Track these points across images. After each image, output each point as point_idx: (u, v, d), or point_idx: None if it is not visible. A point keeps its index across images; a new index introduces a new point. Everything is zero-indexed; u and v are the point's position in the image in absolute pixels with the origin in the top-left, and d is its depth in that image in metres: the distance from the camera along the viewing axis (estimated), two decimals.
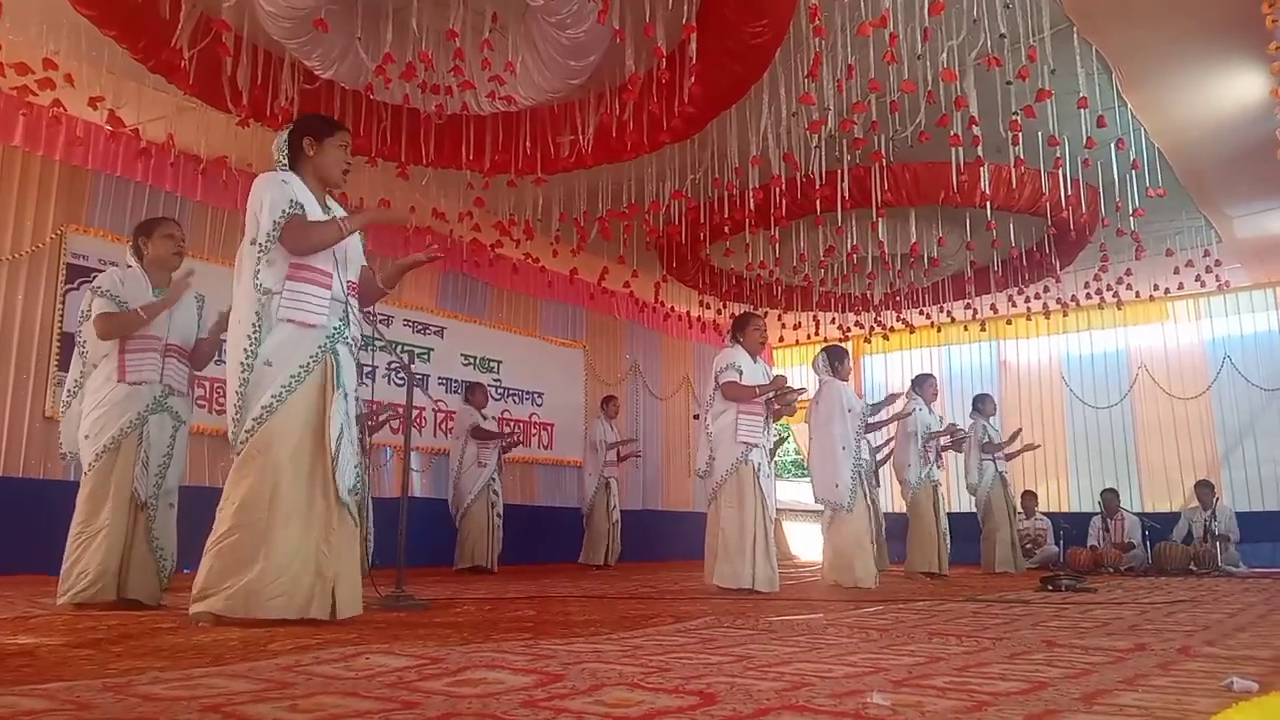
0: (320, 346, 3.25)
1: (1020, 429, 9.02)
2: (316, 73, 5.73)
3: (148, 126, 6.49)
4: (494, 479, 8.10)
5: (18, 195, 6.63)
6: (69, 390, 4.04)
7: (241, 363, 3.18)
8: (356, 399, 3.54)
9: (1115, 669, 2.23)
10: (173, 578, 4.00)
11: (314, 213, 3.32)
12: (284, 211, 3.22)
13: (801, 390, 5.91)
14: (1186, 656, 2.49)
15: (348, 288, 3.40)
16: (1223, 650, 2.64)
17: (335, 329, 3.30)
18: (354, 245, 3.47)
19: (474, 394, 8.31)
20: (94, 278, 5.57)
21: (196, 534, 3.32)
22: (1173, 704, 1.76)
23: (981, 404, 8.82)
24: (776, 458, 7.91)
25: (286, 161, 3.40)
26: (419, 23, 5.20)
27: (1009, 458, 8.71)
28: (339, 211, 3.48)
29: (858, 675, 2.06)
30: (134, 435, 3.83)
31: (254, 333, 3.18)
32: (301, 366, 3.20)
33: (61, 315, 6.65)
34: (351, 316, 3.39)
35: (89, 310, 3.92)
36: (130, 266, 4.05)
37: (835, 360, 6.54)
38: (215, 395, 7.08)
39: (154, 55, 5.36)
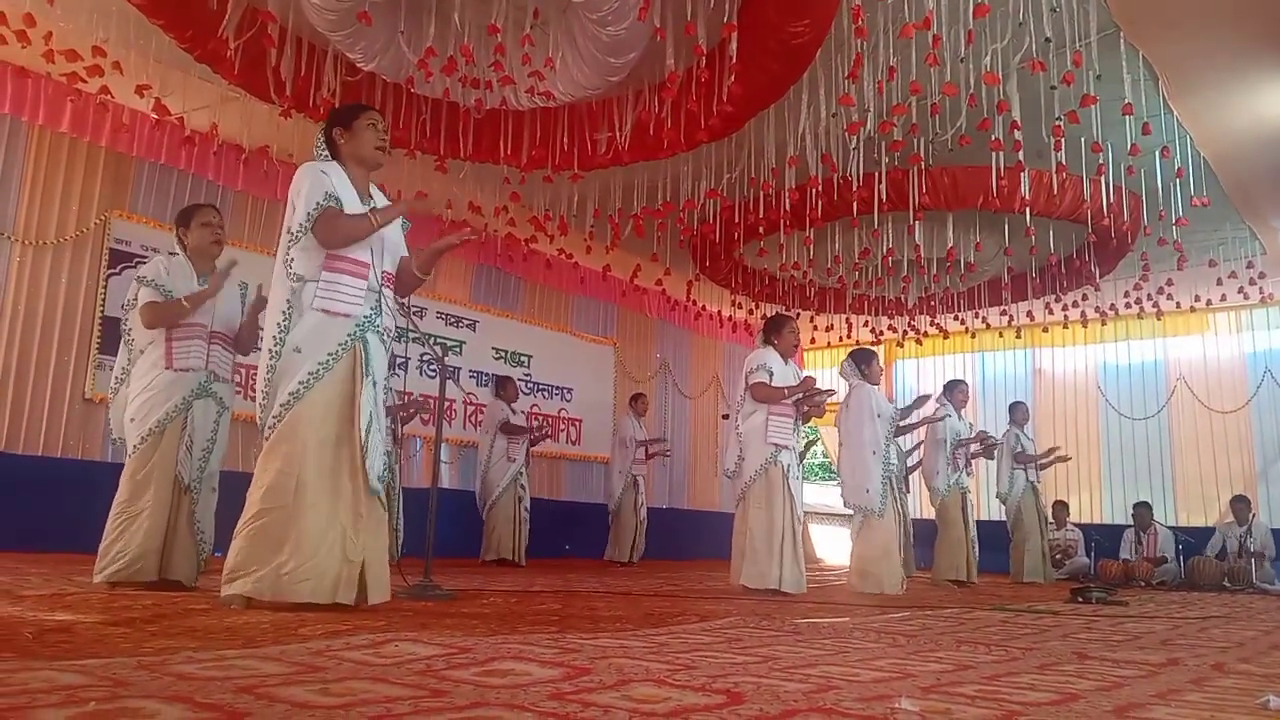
0: (350, 335, 3.27)
1: (1058, 447, 8.89)
2: (359, 65, 5.78)
3: (192, 115, 6.59)
4: (522, 473, 8.14)
5: (64, 180, 6.76)
6: (116, 378, 4.12)
7: (271, 349, 3.22)
8: (388, 390, 3.56)
9: (1148, 683, 2.20)
10: (209, 561, 4.06)
11: (352, 204, 3.35)
12: (318, 203, 3.25)
13: (831, 392, 5.87)
14: (1220, 673, 2.45)
15: (383, 278, 3.42)
16: (1258, 668, 2.60)
17: (366, 317, 3.33)
18: (394, 235, 3.49)
19: (504, 388, 8.34)
20: (136, 263, 5.64)
21: (229, 518, 3.36)
22: None
23: (1015, 412, 8.73)
24: (805, 460, 7.86)
25: (327, 154, 3.44)
26: (461, 17, 5.24)
27: (1041, 468, 8.62)
28: (380, 200, 3.51)
29: (885, 680, 2.05)
30: (179, 420, 3.89)
31: (284, 319, 3.22)
32: (330, 354, 3.22)
33: (103, 300, 6.78)
34: (385, 306, 3.42)
35: (134, 299, 3.99)
36: (175, 254, 4.10)
37: (862, 363, 6.48)
38: (250, 382, 7.18)
39: (200, 45, 5.44)
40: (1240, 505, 9.16)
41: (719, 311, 11.08)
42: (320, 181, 3.29)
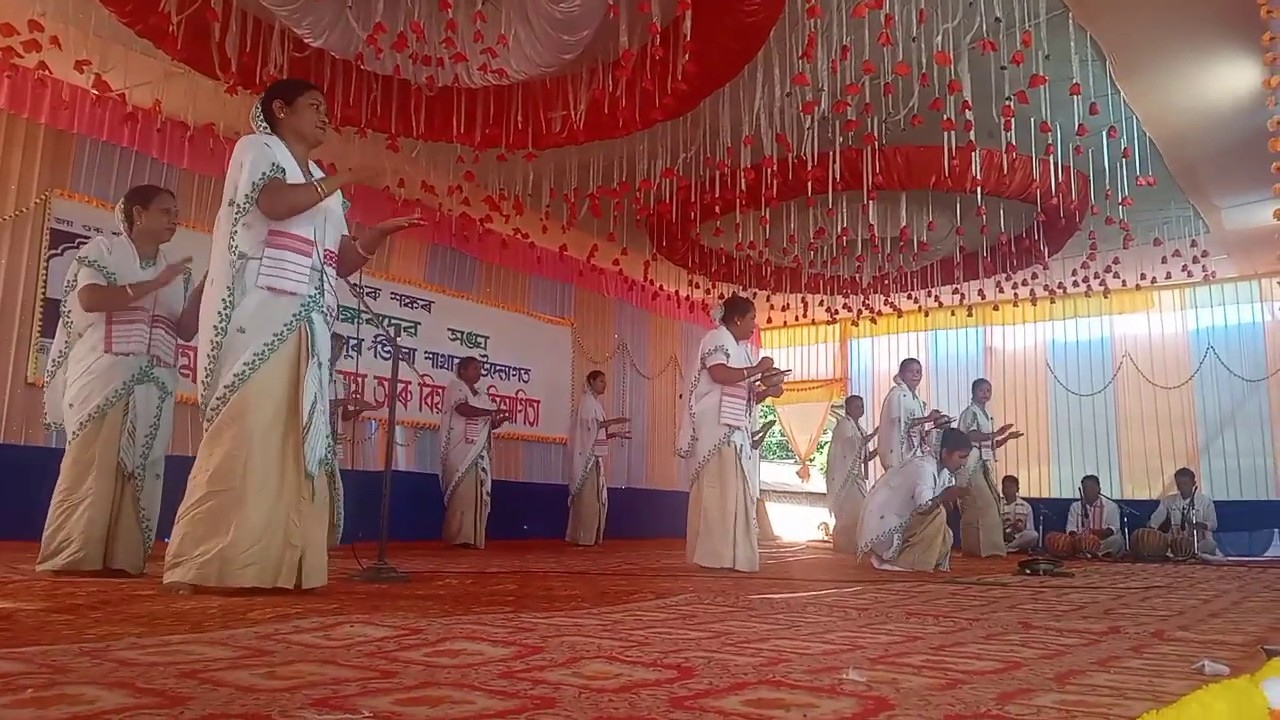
0: (295, 315, 3.22)
1: (1011, 425, 9.06)
2: (306, 41, 5.66)
3: (135, 91, 6.41)
4: (483, 455, 8.04)
5: (1, 159, 6.55)
6: (53, 360, 4.00)
7: (215, 326, 3.15)
8: (336, 379, 3.52)
9: (1089, 650, 2.26)
10: (151, 548, 3.99)
11: (295, 177, 3.30)
12: (264, 174, 3.19)
13: (787, 371, 5.92)
14: (1160, 640, 2.52)
15: (326, 256, 3.37)
16: (1196, 635, 2.68)
17: (311, 297, 3.27)
18: (335, 214, 3.43)
19: (466, 368, 8.23)
20: (78, 244, 5.49)
21: (173, 502, 3.30)
22: (1144, 685, 1.78)
23: (977, 390, 8.90)
24: (764, 441, 7.92)
25: (266, 127, 3.37)
26: None
27: (996, 445, 8.77)
28: (320, 176, 3.45)
29: (835, 652, 2.08)
30: (119, 405, 3.81)
31: (228, 296, 3.15)
32: (275, 334, 3.17)
33: (45, 281, 6.59)
34: (327, 285, 3.36)
35: (75, 279, 3.88)
36: (118, 234, 4.00)
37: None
38: (195, 363, 7.02)
39: (142, 19, 5.29)
40: (1184, 479, 9.41)
41: (676, 291, 11.11)
42: (264, 153, 3.23)
